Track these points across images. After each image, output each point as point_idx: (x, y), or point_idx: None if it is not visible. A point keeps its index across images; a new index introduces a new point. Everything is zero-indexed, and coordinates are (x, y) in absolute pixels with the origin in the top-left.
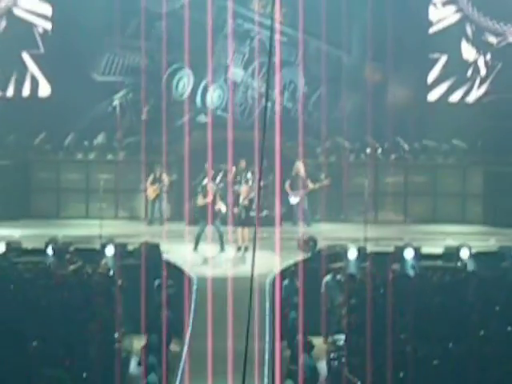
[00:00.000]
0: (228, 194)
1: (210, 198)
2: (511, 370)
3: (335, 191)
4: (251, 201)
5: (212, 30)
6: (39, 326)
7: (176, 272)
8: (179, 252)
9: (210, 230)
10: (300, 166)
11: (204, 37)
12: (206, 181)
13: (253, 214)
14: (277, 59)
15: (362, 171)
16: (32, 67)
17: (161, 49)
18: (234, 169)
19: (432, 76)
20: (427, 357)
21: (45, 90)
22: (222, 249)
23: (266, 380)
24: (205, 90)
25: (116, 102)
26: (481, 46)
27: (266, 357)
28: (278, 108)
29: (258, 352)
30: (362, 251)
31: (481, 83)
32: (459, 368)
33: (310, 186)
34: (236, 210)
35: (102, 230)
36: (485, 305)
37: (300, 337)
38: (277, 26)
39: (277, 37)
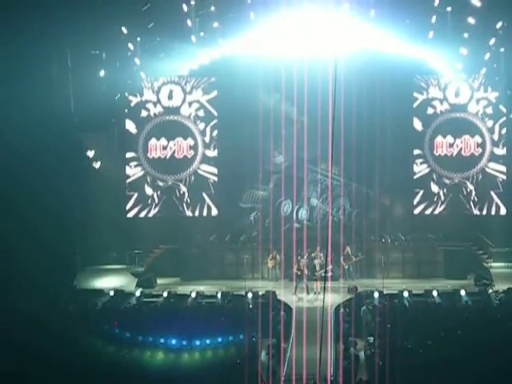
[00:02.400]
0: (310, 264)
1: (302, 267)
2: None
3: (367, 262)
4: (322, 267)
5: (300, 178)
6: (216, 334)
7: (285, 306)
8: (286, 295)
9: (301, 283)
10: (348, 249)
11: (297, 183)
12: (299, 258)
13: (323, 274)
14: (330, 193)
15: (380, 251)
16: (207, 200)
17: (274, 189)
18: (313, 251)
19: (415, 200)
20: (415, 348)
21: (214, 211)
22: (307, 293)
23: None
24: (297, 210)
25: (251, 218)
26: (441, 185)
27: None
28: (329, 218)
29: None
30: (381, 293)
31: (441, 204)
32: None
33: (354, 259)
34: (314, 273)
35: (246, 284)
36: (442, 317)
37: (350, 338)
38: (331, 176)
39: (333, 182)
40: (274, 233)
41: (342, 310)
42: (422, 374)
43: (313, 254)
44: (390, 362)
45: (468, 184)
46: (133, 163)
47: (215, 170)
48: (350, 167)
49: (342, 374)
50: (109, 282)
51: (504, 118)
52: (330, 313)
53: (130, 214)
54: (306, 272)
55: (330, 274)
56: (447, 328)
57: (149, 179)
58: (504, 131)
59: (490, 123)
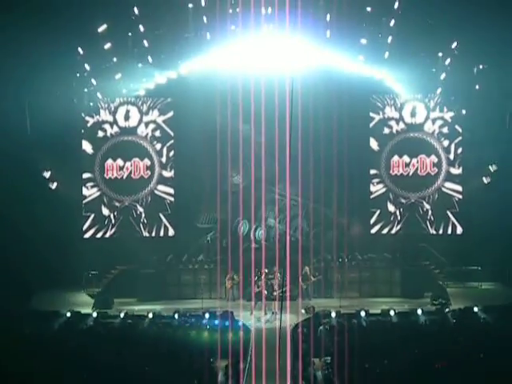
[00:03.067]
0: (268, 284)
1: (260, 287)
2: None
3: (324, 281)
4: (279, 287)
5: (257, 198)
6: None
7: (243, 326)
8: (244, 315)
9: (259, 303)
10: (307, 269)
11: (255, 203)
12: (257, 278)
13: (281, 294)
14: (288, 213)
15: (337, 271)
16: (164, 220)
17: (232, 209)
18: (271, 271)
19: (372, 220)
20: (372, 367)
21: (171, 232)
22: (265, 313)
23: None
24: (255, 230)
25: (208, 238)
26: (397, 204)
27: (288, 367)
28: (287, 238)
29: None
30: (338, 313)
31: (397, 224)
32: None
33: (312, 279)
34: (272, 293)
35: (203, 304)
36: (399, 336)
37: (307, 358)
38: (289, 197)
39: (291, 202)
40: (231, 253)
41: (299, 329)
42: None
43: (270, 275)
44: (347, 382)
45: (424, 203)
46: (89, 184)
47: (172, 191)
48: (307, 187)
49: None
50: (65, 303)
51: (460, 138)
52: (288, 332)
53: (87, 235)
54: (263, 292)
55: (287, 294)
56: (404, 347)
57: (105, 200)
58: (460, 151)
59: (445, 143)
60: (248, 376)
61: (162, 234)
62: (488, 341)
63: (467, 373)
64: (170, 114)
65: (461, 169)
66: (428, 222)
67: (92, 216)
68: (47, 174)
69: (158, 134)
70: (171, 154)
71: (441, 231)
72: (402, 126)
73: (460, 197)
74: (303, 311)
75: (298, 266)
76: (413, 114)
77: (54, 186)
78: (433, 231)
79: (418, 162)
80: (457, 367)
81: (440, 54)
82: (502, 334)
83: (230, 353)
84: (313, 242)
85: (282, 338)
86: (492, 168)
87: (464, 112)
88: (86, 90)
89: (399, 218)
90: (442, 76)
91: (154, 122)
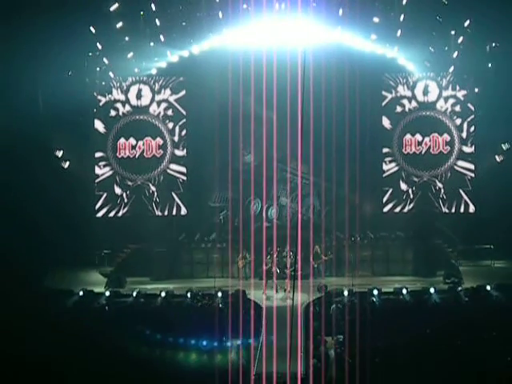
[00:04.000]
0: (280, 263)
1: (271, 266)
2: None
3: (337, 260)
4: (291, 266)
5: (269, 177)
6: (183, 327)
7: (255, 304)
8: (256, 294)
9: (271, 282)
10: (317, 248)
11: (267, 181)
12: (269, 256)
13: (293, 273)
14: (299, 192)
15: (350, 249)
16: (176, 199)
17: (244, 188)
18: (282, 250)
19: (385, 198)
20: (384, 346)
21: (183, 211)
22: (277, 292)
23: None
24: (267, 209)
25: (221, 217)
26: (409, 183)
27: (301, 347)
28: (299, 217)
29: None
30: (350, 291)
31: (410, 202)
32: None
33: (323, 257)
34: (284, 271)
35: (215, 283)
36: (411, 315)
37: (319, 336)
38: (300, 175)
39: (303, 180)
40: (243, 232)
41: (311, 308)
42: (390, 373)
43: (283, 253)
44: (359, 360)
45: (437, 182)
46: (102, 163)
47: (184, 170)
48: (319, 166)
49: (312, 372)
50: (78, 282)
51: (472, 116)
52: (299, 311)
53: (99, 214)
54: (275, 271)
55: (299, 273)
56: (416, 326)
57: (118, 179)
58: (472, 129)
59: (458, 121)
60: (259, 355)
61: (174, 212)
62: (501, 319)
63: (480, 351)
64: (183, 92)
65: (473, 147)
66: (440, 201)
67: (104, 195)
68: (60, 154)
69: (170, 112)
70: (183, 132)
71: (453, 210)
72: (414, 104)
73: (472, 175)
74: (315, 290)
75: (310, 244)
76: (425, 93)
77: (66, 165)
78: (445, 210)
79: (430, 140)
80: (469, 345)
81: (452, 32)
82: None
83: (241, 331)
84: (325, 220)
85: (294, 317)
86: (505, 146)
87: (476, 90)
88: (98, 69)
89: (412, 196)
90: (455, 54)
91: (167, 100)
